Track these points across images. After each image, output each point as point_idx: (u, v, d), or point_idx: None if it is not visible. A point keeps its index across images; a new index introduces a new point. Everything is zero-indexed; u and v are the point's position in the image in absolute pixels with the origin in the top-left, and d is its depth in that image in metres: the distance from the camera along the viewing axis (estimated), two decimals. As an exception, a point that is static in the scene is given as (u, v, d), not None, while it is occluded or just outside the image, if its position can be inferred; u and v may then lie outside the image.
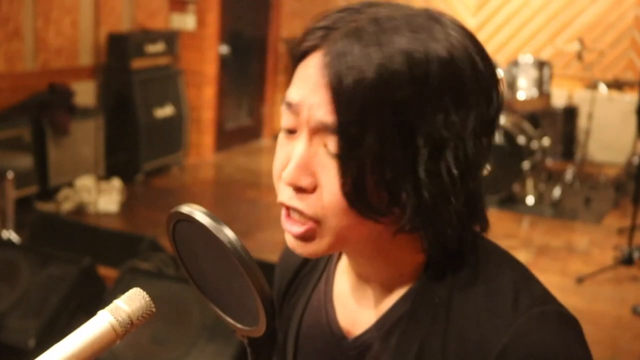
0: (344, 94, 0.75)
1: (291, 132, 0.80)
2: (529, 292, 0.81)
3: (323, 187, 0.78)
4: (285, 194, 0.81)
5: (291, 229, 0.81)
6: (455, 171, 0.77)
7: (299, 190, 0.79)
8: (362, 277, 0.89)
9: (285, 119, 0.81)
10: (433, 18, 0.79)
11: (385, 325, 0.85)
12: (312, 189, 0.78)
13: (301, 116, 0.78)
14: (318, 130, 0.77)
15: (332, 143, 0.77)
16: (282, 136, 0.82)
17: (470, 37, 0.80)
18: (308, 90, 0.78)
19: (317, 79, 0.77)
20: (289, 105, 0.80)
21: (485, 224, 0.86)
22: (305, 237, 0.81)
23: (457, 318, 0.80)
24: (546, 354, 0.77)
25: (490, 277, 0.82)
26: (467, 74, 0.77)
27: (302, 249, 0.82)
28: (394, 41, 0.75)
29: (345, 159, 0.76)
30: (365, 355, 0.86)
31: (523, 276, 0.83)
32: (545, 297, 0.82)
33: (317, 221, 0.79)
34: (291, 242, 0.82)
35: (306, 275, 0.98)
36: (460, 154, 0.77)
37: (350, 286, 0.91)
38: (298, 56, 0.81)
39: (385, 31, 0.76)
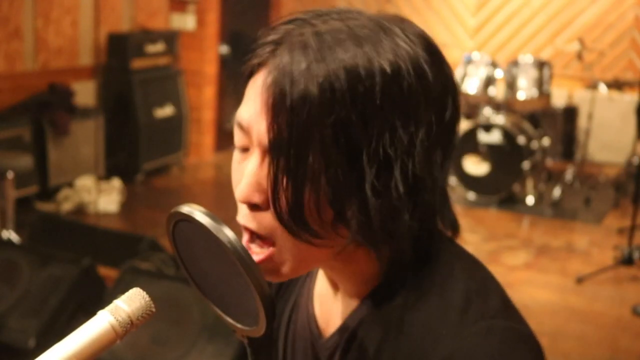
0: (285, 114, 0.74)
1: (244, 150, 0.80)
2: (481, 304, 0.77)
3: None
4: (241, 213, 0.81)
5: (254, 256, 0.80)
6: (402, 188, 0.75)
7: (253, 207, 0.79)
8: (331, 280, 0.89)
9: (237, 138, 0.81)
10: (382, 28, 0.77)
11: (347, 330, 0.85)
12: (267, 206, 0.78)
13: (251, 136, 0.78)
14: (267, 149, 0.77)
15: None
16: (236, 154, 0.82)
17: (424, 44, 0.78)
18: (254, 111, 0.78)
19: (263, 98, 0.76)
20: (240, 126, 0.80)
21: (455, 228, 0.84)
22: (267, 266, 0.80)
23: (409, 327, 0.79)
24: None
25: (445, 286, 0.79)
26: (415, 87, 0.75)
27: (269, 277, 0.82)
28: (337, 57, 0.74)
29: (282, 179, 0.75)
30: (334, 357, 0.86)
31: (481, 287, 0.80)
32: (499, 311, 0.78)
33: (273, 243, 0.79)
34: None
35: None
36: (409, 170, 0.75)
37: (326, 285, 0.91)
38: (248, 72, 0.81)
39: (329, 46, 0.74)
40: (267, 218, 0.78)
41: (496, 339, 0.75)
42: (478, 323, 0.76)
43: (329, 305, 0.90)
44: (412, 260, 0.80)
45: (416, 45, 0.77)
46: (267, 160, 0.77)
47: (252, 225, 0.79)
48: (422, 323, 0.78)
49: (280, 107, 0.74)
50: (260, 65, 0.79)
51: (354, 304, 0.85)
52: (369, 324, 0.82)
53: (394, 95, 0.74)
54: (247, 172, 0.79)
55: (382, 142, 0.74)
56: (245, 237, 0.81)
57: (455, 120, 0.80)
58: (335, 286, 0.89)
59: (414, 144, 0.75)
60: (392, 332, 0.80)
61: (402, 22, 0.79)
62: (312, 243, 0.77)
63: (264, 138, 0.76)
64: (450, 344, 0.75)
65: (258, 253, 0.80)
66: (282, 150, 0.74)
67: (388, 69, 0.74)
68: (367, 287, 0.84)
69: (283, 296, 0.99)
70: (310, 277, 0.96)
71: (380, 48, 0.75)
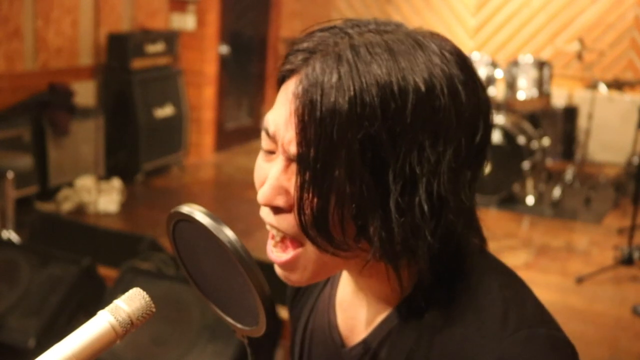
0: (313, 127, 0.73)
1: (270, 152, 0.80)
2: (518, 311, 0.78)
3: None
4: (264, 211, 0.81)
5: (277, 257, 0.80)
6: (426, 207, 0.74)
7: (276, 210, 0.79)
8: (358, 287, 0.89)
9: (264, 142, 0.80)
10: (419, 44, 0.76)
11: (375, 339, 0.84)
12: (289, 209, 0.78)
13: (277, 142, 0.78)
14: (293, 159, 0.77)
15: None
16: (261, 155, 0.82)
17: (459, 62, 0.77)
18: (282, 118, 0.77)
19: (291, 107, 0.75)
20: (266, 131, 0.79)
21: (483, 240, 0.85)
22: (289, 268, 0.81)
23: (443, 337, 0.79)
24: None
25: (480, 300, 0.79)
26: (447, 107, 0.74)
27: (287, 277, 0.82)
28: (371, 71, 0.73)
29: (308, 192, 0.75)
30: None
31: (516, 294, 0.80)
32: (536, 317, 0.79)
33: (301, 244, 0.79)
34: (278, 271, 0.83)
35: None
36: (434, 190, 0.74)
37: (351, 292, 0.90)
38: (281, 78, 0.80)
39: (364, 60, 0.73)
40: (292, 219, 0.78)
41: (537, 346, 0.75)
42: (519, 331, 0.76)
43: (353, 313, 0.89)
44: (444, 274, 0.79)
45: (451, 64, 0.76)
46: (291, 168, 0.77)
47: (282, 226, 0.79)
48: (458, 332, 0.78)
49: (308, 118, 0.73)
50: (292, 72, 0.78)
51: (381, 314, 0.85)
52: (398, 336, 0.82)
53: (425, 114, 0.73)
54: (271, 175, 0.78)
55: (409, 160, 0.73)
56: (272, 236, 0.81)
57: (485, 143, 0.79)
58: (360, 294, 0.88)
59: (441, 164, 0.74)
60: (424, 345, 0.80)
61: (439, 39, 0.78)
62: (335, 254, 0.77)
63: (289, 147, 0.76)
64: (493, 351, 0.75)
65: (282, 255, 0.80)
66: (309, 163, 0.74)
67: (422, 87, 0.73)
68: (395, 293, 0.83)
69: (300, 300, 0.99)
70: (331, 283, 0.95)
71: (416, 65, 0.74)
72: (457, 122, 0.75)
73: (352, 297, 0.90)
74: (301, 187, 0.75)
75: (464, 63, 0.78)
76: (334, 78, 0.73)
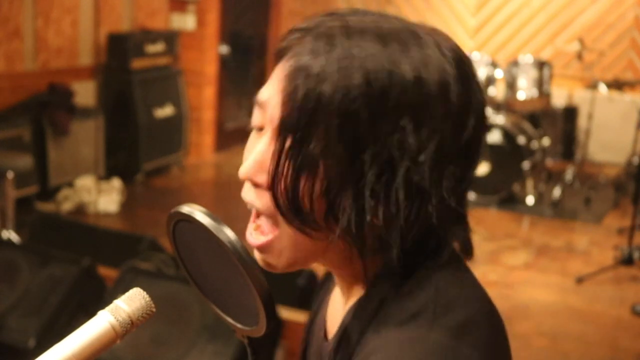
0: (297, 102, 0.74)
1: (260, 129, 0.81)
2: (433, 316, 0.73)
3: None
4: (244, 189, 0.82)
5: (254, 240, 0.81)
6: (402, 195, 0.74)
7: (256, 186, 0.80)
8: (340, 285, 0.89)
9: (255, 116, 0.82)
10: (415, 37, 0.77)
11: (338, 334, 0.84)
12: (268, 187, 0.78)
13: (266, 114, 0.79)
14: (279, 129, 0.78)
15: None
16: (252, 134, 0.83)
17: (457, 60, 0.77)
18: (273, 91, 0.78)
19: (281, 82, 0.77)
20: (258, 103, 0.81)
21: (468, 252, 0.82)
22: (265, 253, 0.81)
23: (377, 326, 0.77)
24: None
25: (414, 289, 0.76)
26: (435, 98, 0.74)
27: (264, 262, 0.82)
28: (359, 53, 0.74)
29: (283, 161, 0.75)
30: (334, 353, 0.86)
31: (447, 303, 0.75)
32: (449, 327, 0.72)
33: (277, 224, 0.79)
34: (256, 255, 0.82)
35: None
36: (414, 179, 0.74)
37: (339, 290, 0.91)
38: (277, 55, 0.81)
39: (354, 41, 0.75)
40: (269, 197, 0.78)
41: (417, 348, 0.71)
42: (414, 330, 0.72)
43: (337, 309, 0.90)
44: (406, 267, 0.78)
45: (447, 60, 0.76)
46: (279, 141, 0.77)
47: (257, 204, 0.80)
48: (385, 321, 0.76)
49: (295, 92, 0.75)
50: (286, 50, 0.79)
51: (350, 303, 0.85)
52: (355, 320, 0.82)
53: (410, 101, 0.74)
54: (256, 150, 0.80)
55: (389, 143, 0.73)
56: (252, 217, 0.82)
57: (476, 144, 0.79)
58: (344, 290, 0.88)
59: (422, 153, 0.74)
60: (366, 327, 0.78)
61: (439, 35, 0.79)
62: (305, 232, 0.77)
63: (276, 118, 0.77)
64: (376, 341, 0.74)
65: (260, 237, 0.80)
66: (288, 131, 0.75)
67: (410, 75, 0.74)
68: (360, 290, 0.83)
69: (319, 294, 1.00)
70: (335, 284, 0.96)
71: (408, 54, 0.75)
72: (444, 114, 0.75)
73: (339, 294, 0.91)
74: (278, 156, 0.76)
75: (461, 61, 0.78)
76: (322, 56, 0.75)
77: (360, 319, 0.80)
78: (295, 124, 0.75)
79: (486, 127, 0.81)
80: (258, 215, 0.81)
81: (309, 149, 0.74)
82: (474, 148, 0.79)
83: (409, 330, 0.73)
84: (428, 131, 0.74)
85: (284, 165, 0.75)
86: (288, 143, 0.75)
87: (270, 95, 0.79)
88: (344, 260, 0.81)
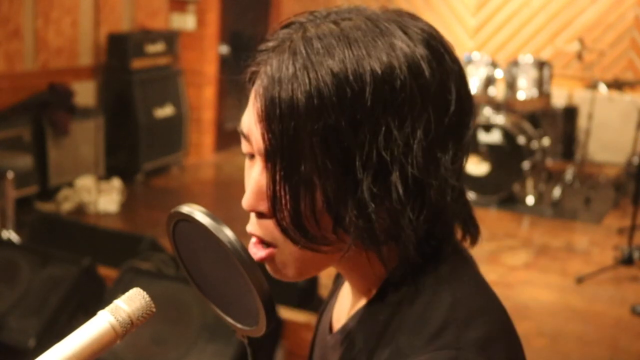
0: (276, 122, 0.74)
1: (251, 156, 0.81)
2: (456, 332, 0.73)
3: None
4: (251, 222, 0.81)
5: (254, 254, 0.80)
6: (401, 190, 0.73)
7: (260, 215, 0.79)
8: (346, 278, 0.89)
9: (243, 145, 0.81)
10: (379, 28, 0.75)
11: (347, 328, 0.84)
12: (271, 214, 0.77)
13: (252, 144, 0.79)
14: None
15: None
16: (246, 162, 0.82)
17: (425, 40, 0.75)
18: (251, 119, 0.78)
19: (256, 107, 0.77)
20: (242, 134, 0.80)
21: (475, 235, 0.82)
22: (270, 265, 0.81)
23: (392, 337, 0.77)
24: None
25: (429, 306, 0.76)
26: (408, 85, 0.73)
27: (274, 274, 0.82)
28: (325, 62, 0.73)
29: (279, 189, 0.75)
30: (337, 351, 0.86)
31: (467, 314, 0.75)
32: (474, 342, 0.73)
33: (275, 246, 0.79)
34: (266, 264, 0.83)
35: None
36: (408, 172, 0.73)
37: (347, 285, 0.91)
38: (249, 79, 0.81)
39: (317, 52, 0.73)
40: (272, 225, 0.78)
41: None
42: (443, 350, 0.72)
43: (344, 304, 0.90)
44: (417, 265, 0.78)
45: (415, 42, 0.75)
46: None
47: (258, 232, 0.80)
48: (401, 332, 0.76)
49: (271, 115, 0.74)
50: (256, 73, 0.79)
51: (360, 304, 0.85)
52: (363, 324, 0.82)
53: (385, 96, 0.73)
54: (251, 179, 0.79)
55: (375, 145, 0.73)
56: (252, 242, 0.81)
57: (462, 116, 0.77)
58: (353, 290, 0.88)
59: (411, 145, 0.73)
60: (376, 336, 0.78)
61: (403, 18, 0.77)
62: (315, 250, 0.77)
63: (262, 148, 0.76)
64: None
65: (259, 252, 0.80)
66: (275, 158, 0.75)
67: (379, 70, 0.73)
68: (372, 287, 0.83)
69: (333, 288, 1.01)
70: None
71: (373, 49, 0.74)
72: (422, 99, 0.74)
73: (347, 289, 0.91)
74: (272, 182, 0.75)
75: (430, 39, 0.76)
76: (290, 73, 0.73)
77: (367, 328, 0.80)
78: (280, 151, 0.74)
79: (469, 93, 0.79)
80: (258, 240, 0.81)
81: (301, 170, 0.74)
82: (463, 117, 0.78)
83: (437, 349, 0.72)
84: (411, 121, 0.73)
85: (281, 190, 0.75)
86: (279, 168, 0.75)
87: (250, 121, 0.78)
88: (357, 264, 0.81)
